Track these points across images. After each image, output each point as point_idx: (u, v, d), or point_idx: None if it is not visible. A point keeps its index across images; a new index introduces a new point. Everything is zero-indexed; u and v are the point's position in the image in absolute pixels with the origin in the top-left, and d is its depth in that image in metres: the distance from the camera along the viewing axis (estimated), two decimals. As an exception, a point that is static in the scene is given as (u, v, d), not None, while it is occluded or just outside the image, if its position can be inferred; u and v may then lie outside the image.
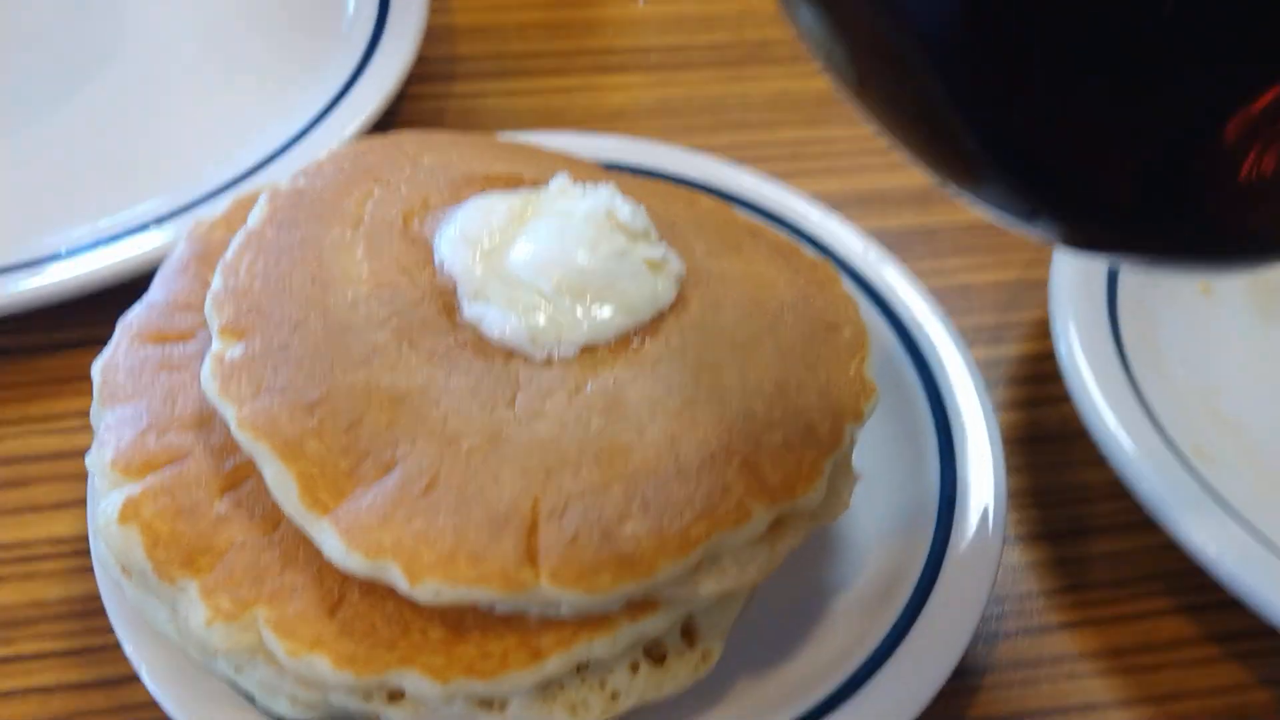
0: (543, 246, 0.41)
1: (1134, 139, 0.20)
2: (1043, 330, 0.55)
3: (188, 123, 0.59)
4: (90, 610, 0.42)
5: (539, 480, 0.35)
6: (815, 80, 0.67)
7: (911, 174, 0.62)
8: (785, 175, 0.59)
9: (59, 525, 0.45)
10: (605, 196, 0.43)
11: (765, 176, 0.55)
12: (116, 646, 0.41)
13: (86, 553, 0.44)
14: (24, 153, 0.57)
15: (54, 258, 0.50)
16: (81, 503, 0.45)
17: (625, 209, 0.42)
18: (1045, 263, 0.57)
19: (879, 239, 0.52)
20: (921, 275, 0.55)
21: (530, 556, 0.34)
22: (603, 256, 0.41)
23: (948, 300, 0.55)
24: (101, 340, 0.50)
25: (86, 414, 0.47)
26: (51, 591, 0.43)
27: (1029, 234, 0.24)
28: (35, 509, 0.45)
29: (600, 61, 0.67)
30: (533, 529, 0.34)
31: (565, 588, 0.33)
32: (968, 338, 0.53)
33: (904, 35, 0.21)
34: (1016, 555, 0.46)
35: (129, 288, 0.49)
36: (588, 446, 0.36)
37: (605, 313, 0.40)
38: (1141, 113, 0.19)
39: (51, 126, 0.59)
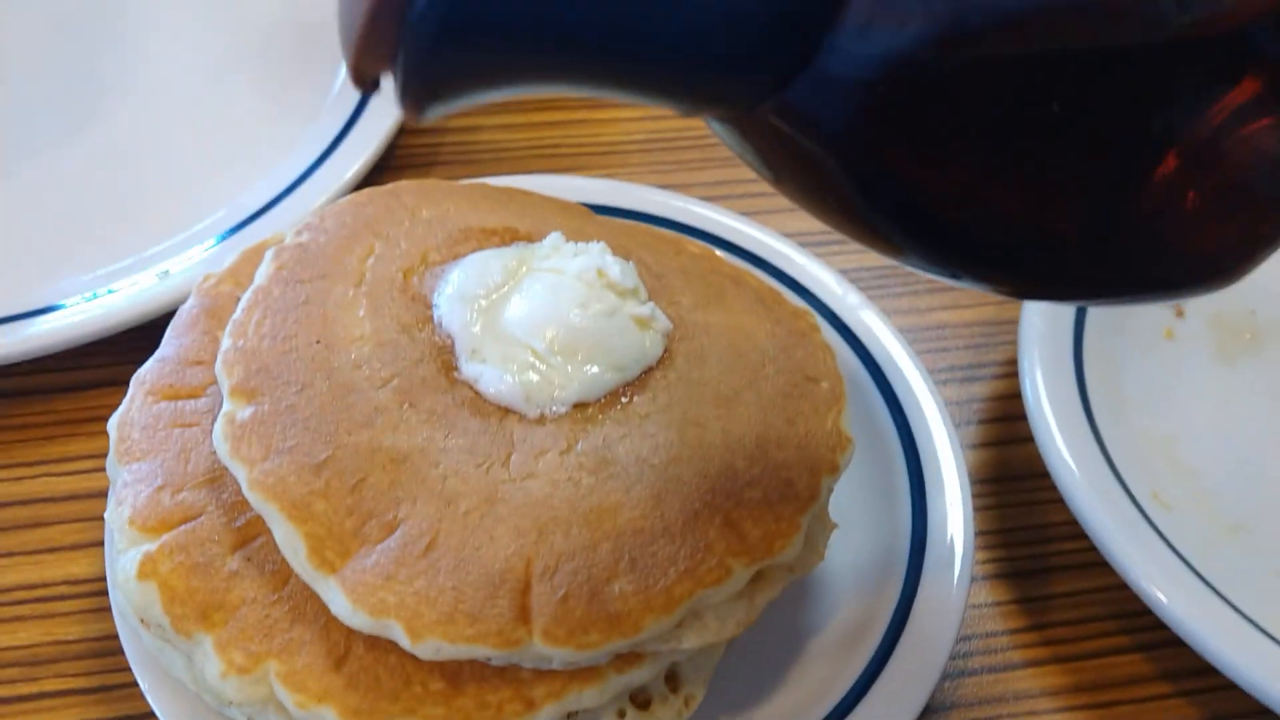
0: (536, 305, 0.43)
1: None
2: (1014, 369, 0.57)
3: (189, 165, 0.61)
4: (109, 650, 0.45)
5: (532, 540, 0.38)
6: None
7: (892, 211, 0.64)
8: (768, 212, 0.61)
9: (76, 566, 0.47)
10: (596, 255, 0.45)
11: (749, 216, 0.57)
12: (135, 685, 0.43)
13: (103, 593, 0.46)
14: (28, 196, 0.59)
15: (65, 304, 0.52)
16: (98, 544, 0.47)
17: (615, 267, 0.44)
18: (1018, 302, 0.60)
19: (856, 277, 0.55)
20: (897, 314, 0.57)
21: (524, 616, 0.36)
22: (593, 315, 0.43)
23: (923, 339, 0.58)
24: (114, 382, 0.53)
25: (101, 456, 0.50)
26: (71, 631, 0.45)
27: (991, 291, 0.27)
28: (53, 549, 0.47)
29: (589, 98, 0.69)
30: (526, 589, 0.37)
31: (556, 646, 0.36)
32: (941, 377, 0.56)
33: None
34: (983, 594, 0.49)
35: (142, 330, 0.52)
36: (578, 505, 0.39)
37: (596, 371, 0.42)
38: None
39: (56, 169, 0.61)
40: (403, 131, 0.62)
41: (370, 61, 0.24)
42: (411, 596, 0.36)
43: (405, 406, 0.41)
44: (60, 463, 0.50)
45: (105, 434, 0.50)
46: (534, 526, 0.38)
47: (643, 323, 0.44)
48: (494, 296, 0.44)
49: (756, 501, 0.40)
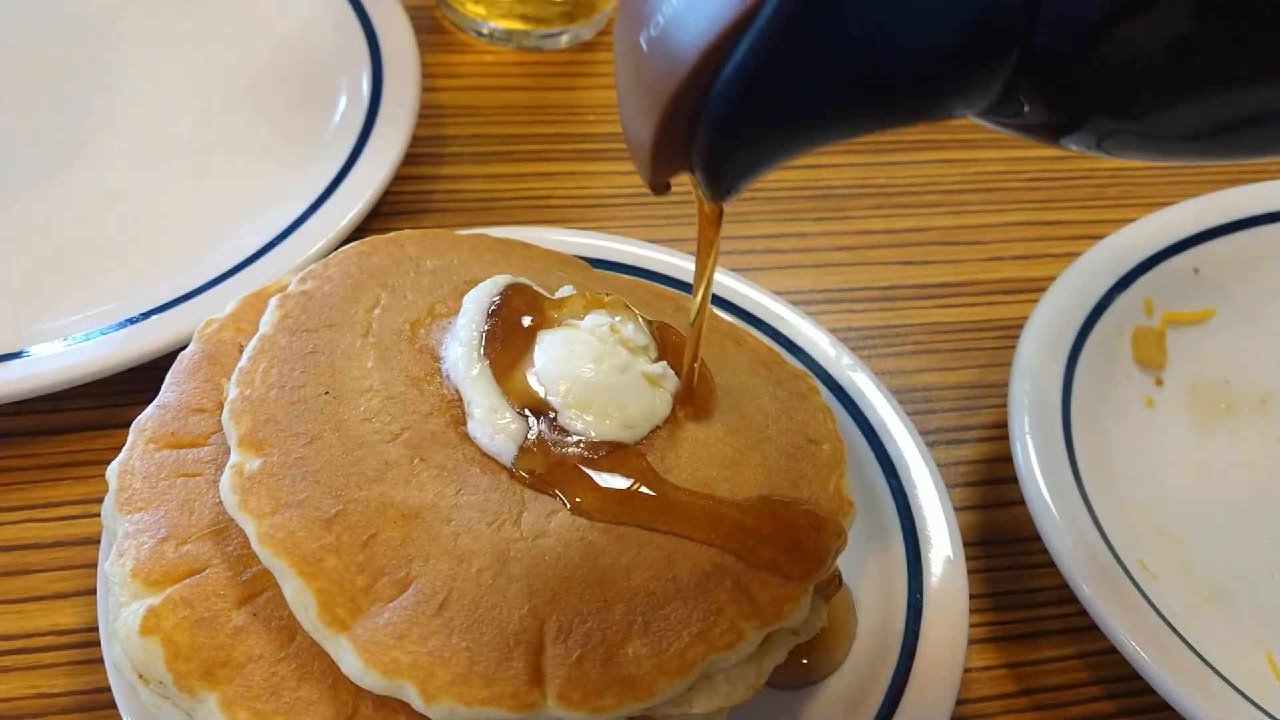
0: (548, 359, 0.43)
1: None
2: (998, 433, 0.58)
3: (179, 207, 0.60)
4: (97, 704, 0.43)
5: (545, 600, 0.37)
6: (788, 173, 0.70)
7: (877, 272, 0.65)
8: (759, 269, 0.62)
9: (62, 615, 0.46)
10: (607, 313, 0.45)
11: (742, 274, 0.58)
12: (122, 741, 0.42)
13: (91, 644, 0.45)
14: (14, 234, 0.58)
15: (50, 345, 0.50)
16: (85, 592, 0.46)
17: (628, 325, 0.45)
18: (1001, 365, 0.61)
19: (845, 336, 0.55)
20: (885, 374, 0.58)
21: (538, 678, 0.36)
22: (606, 370, 0.43)
23: (909, 400, 0.58)
24: (99, 425, 0.52)
25: (85, 501, 0.49)
26: (57, 683, 0.44)
27: None
28: (37, 598, 0.46)
29: (581, 149, 0.70)
30: (540, 650, 0.36)
31: (571, 709, 0.36)
32: (929, 439, 0.56)
33: None
34: (975, 658, 0.50)
35: (127, 373, 0.51)
36: (591, 566, 0.39)
37: (607, 428, 0.42)
38: None
39: (43, 208, 0.60)
40: (396, 179, 0.62)
41: (664, 173, 0.30)
42: (425, 656, 0.36)
43: (416, 461, 0.40)
44: (43, 508, 0.49)
45: (90, 479, 0.50)
46: (547, 587, 0.38)
47: (653, 380, 0.44)
48: (503, 349, 0.44)
49: (765, 563, 0.40)
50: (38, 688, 0.44)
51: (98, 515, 0.48)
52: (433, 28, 0.76)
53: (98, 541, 0.47)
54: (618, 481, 0.41)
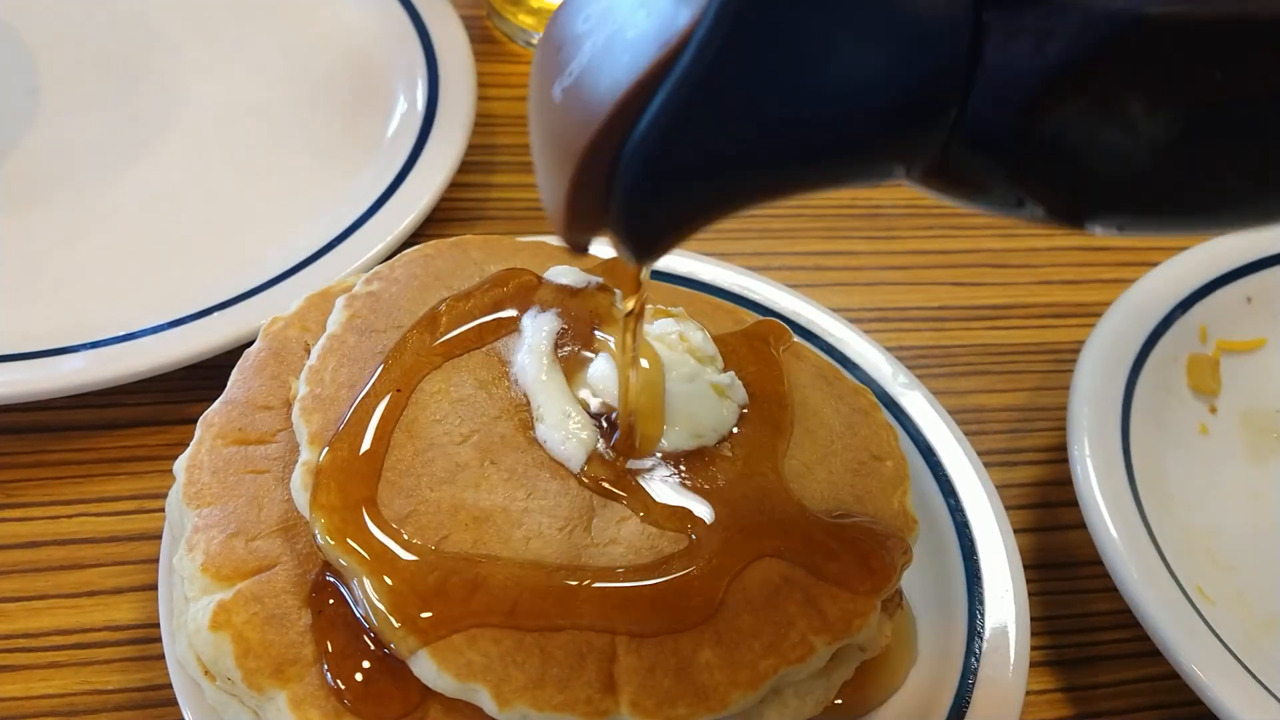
0: (614, 366, 0.43)
1: None
2: (1051, 456, 0.58)
3: (239, 206, 0.60)
4: (152, 700, 0.43)
5: (616, 607, 0.37)
6: (840, 192, 0.70)
7: (929, 292, 0.65)
8: (809, 286, 0.62)
9: (117, 611, 0.45)
10: (676, 320, 0.45)
11: (795, 290, 0.58)
12: (179, 739, 0.42)
13: (146, 640, 0.45)
14: (80, 222, 0.58)
15: (112, 341, 0.50)
16: (140, 588, 0.46)
17: (696, 334, 0.45)
18: (1053, 388, 0.61)
19: (897, 356, 0.55)
20: (938, 394, 0.57)
21: (611, 686, 0.36)
22: (674, 379, 0.43)
23: (962, 422, 0.58)
24: (154, 421, 0.51)
25: (142, 496, 0.49)
26: (111, 679, 0.43)
27: None
28: (92, 593, 0.46)
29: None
30: (613, 658, 0.36)
31: (645, 718, 0.35)
32: (982, 460, 0.56)
33: None
34: (1032, 681, 0.49)
35: (182, 369, 0.51)
36: (660, 574, 0.38)
37: (676, 436, 0.42)
38: None
39: (106, 197, 0.60)
40: (449, 186, 0.62)
41: (581, 232, 0.29)
42: (499, 660, 0.35)
43: (486, 464, 0.40)
44: (99, 502, 0.49)
45: (147, 474, 0.50)
46: (618, 593, 0.37)
47: (721, 391, 0.44)
48: (571, 354, 0.44)
49: (834, 577, 0.40)
50: (92, 684, 0.43)
51: (154, 511, 0.48)
52: (484, 38, 0.76)
53: (155, 537, 0.46)
54: (685, 491, 0.41)
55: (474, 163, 0.67)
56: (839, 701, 0.44)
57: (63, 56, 0.67)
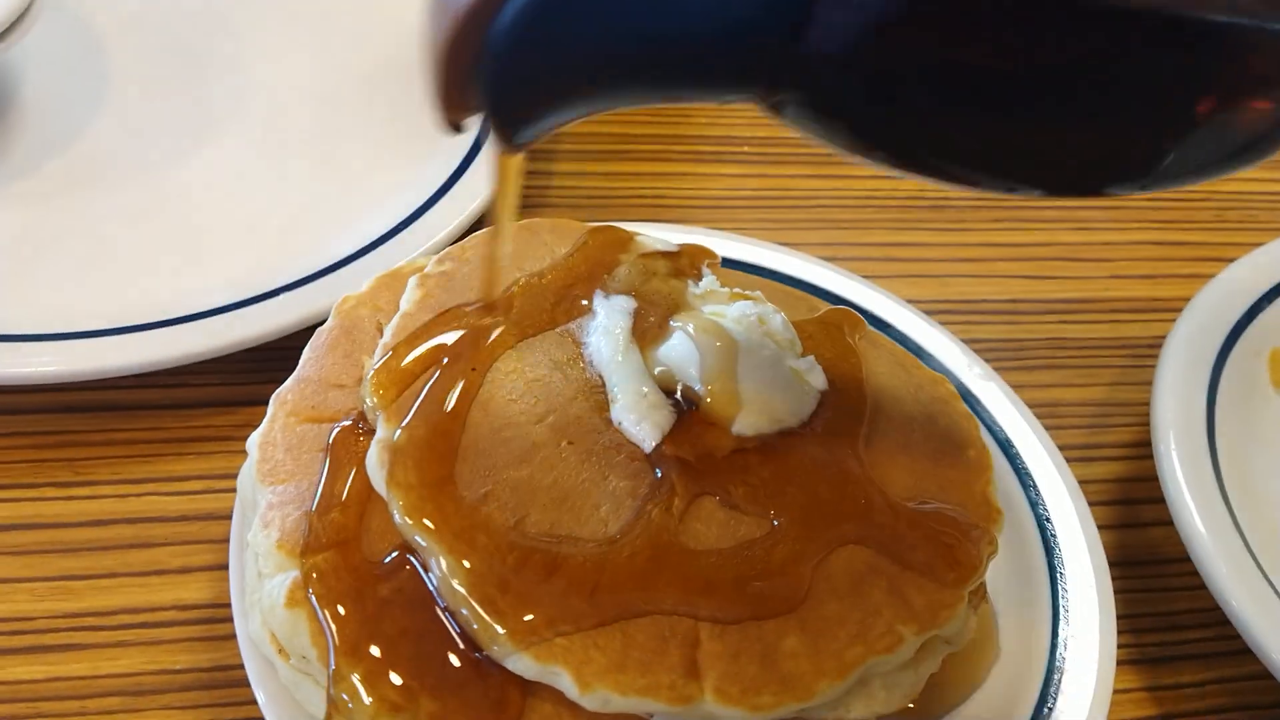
0: (695, 347, 0.42)
1: None
2: (1131, 452, 0.56)
3: (306, 191, 0.60)
4: (220, 681, 0.42)
5: (699, 592, 0.36)
6: (902, 182, 0.69)
7: (1001, 284, 0.64)
8: (880, 277, 0.60)
9: (186, 590, 0.45)
10: (755, 303, 0.44)
11: (865, 280, 0.56)
12: (249, 720, 0.41)
13: (216, 620, 0.44)
14: (149, 203, 0.58)
15: (181, 320, 0.50)
16: (210, 568, 0.46)
17: (776, 318, 0.44)
18: (1130, 383, 0.59)
19: (971, 348, 0.54)
20: (1013, 388, 0.56)
21: (694, 671, 0.35)
22: (754, 363, 0.42)
23: (1039, 415, 0.56)
24: (222, 402, 0.51)
25: (211, 476, 0.48)
26: (179, 659, 0.43)
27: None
28: (161, 572, 0.45)
29: (694, 150, 0.69)
30: (696, 643, 0.35)
31: (729, 705, 0.34)
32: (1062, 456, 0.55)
33: None
34: (1115, 681, 0.47)
35: (249, 350, 0.50)
36: (742, 558, 0.37)
37: (755, 421, 0.41)
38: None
39: (175, 179, 0.60)
40: (512, 172, 0.61)
41: (455, 111, 0.31)
42: (580, 641, 0.34)
43: (563, 444, 0.39)
44: (168, 481, 0.48)
45: (215, 455, 0.49)
46: (700, 577, 0.36)
47: (800, 376, 0.43)
48: (646, 336, 0.43)
49: (919, 567, 0.39)
50: (160, 663, 0.43)
51: (222, 491, 0.48)
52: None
53: (223, 517, 0.46)
54: (766, 475, 0.40)
55: (536, 151, 0.66)
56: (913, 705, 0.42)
57: (131, 43, 0.67)
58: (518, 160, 0.36)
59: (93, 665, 0.43)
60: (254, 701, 0.38)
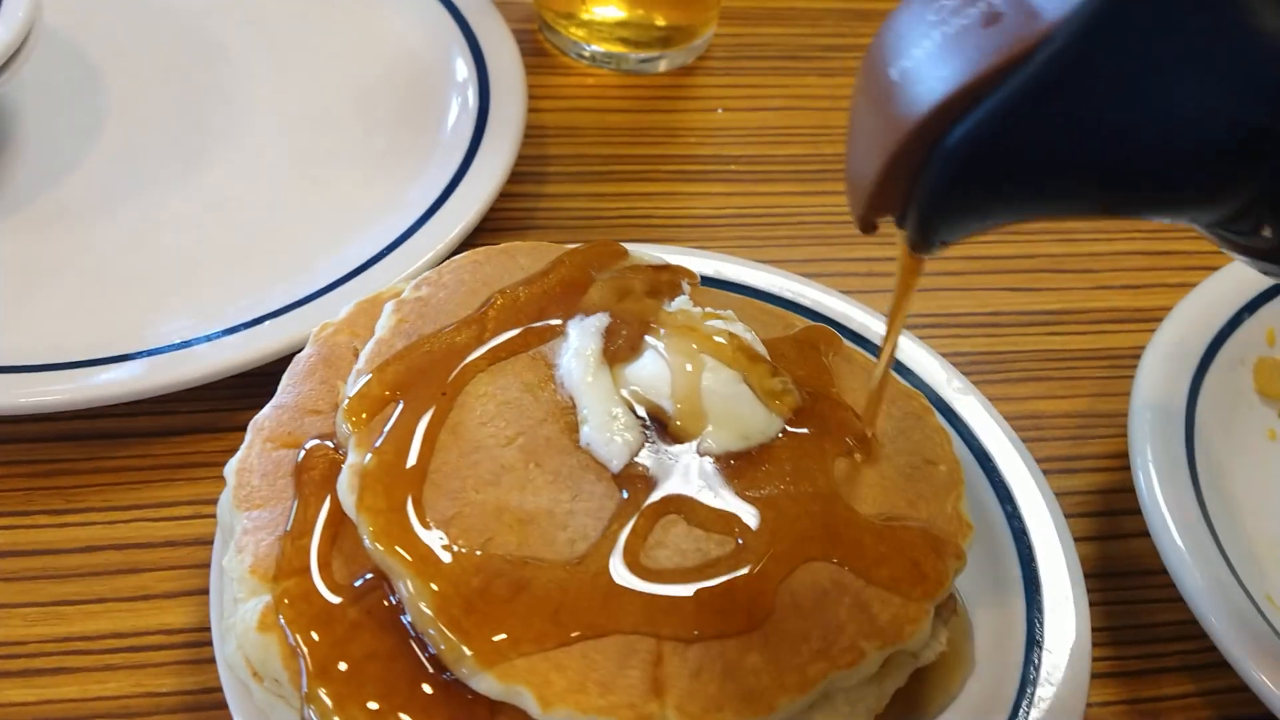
0: (664, 367, 0.43)
1: None
2: (1112, 464, 0.57)
3: (295, 216, 0.61)
4: (204, 704, 0.43)
5: (662, 611, 0.37)
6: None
7: (982, 297, 0.64)
8: (861, 292, 0.61)
9: (172, 615, 0.46)
10: (725, 321, 0.45)
11: (846, 296, 0.57)
12: (231, 742, 0.42)
13: (200, 644, 0.45)
14: (141, 234, 0.60)
15: (168, 348, 0.51)
16: (195, 592, 0.47)
17: (747, 335, 0.44)
18: (1113, 394, 0.59)
19: (951, 361, 0.54)
20: (993, 400, 0.56)
21: (656, 689, 0.35)
22: (723, 381, 0.43)
23: (1019, 429, 0.57)
24: (210, 428, 0.52)
25: (197, 502, 0.49)
26: (165, 682, 0.44)
27: None
28: (148, 597, 0.46)
29: (681, 170, 0.70)
30: (658, 661, 0.36)
31: (690, 722, 0.35)
32: (1041, 468, 0.55)
33: None
34: (1094, 693, 0.48)
35: (238, 376, 0.51)
36: (706, 577, 0.38)
37: (723, 438, 0.41)
38: None
39: (166, 209, 0.61)
40: (500, 195, 0.62)
41: (877, 211, 0.31)
42: (542, 662, 0.35)
43: (531, 466, 0.40)
44: (156, 508, 0.49)
45: (203, 480, 0.50)
46: (664, 597, 0.37)
47: (772, 394, 0.43)
48: (618, 356, 0.44)
49: (884, 582, 0.39)
50: (145, 686, 0.44)
51: (210, 516, 0.49)
52: (536, 51, 0.77)
53: (209, 542, 0.47)
54: (733, 493, 0.40)
55: (525, 173, 0.67)
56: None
57: (126, 72, 0.69)
58: (922, 265, 0.36)
59: (82, 689, 0.44)
60: (235, 725, 0.39)
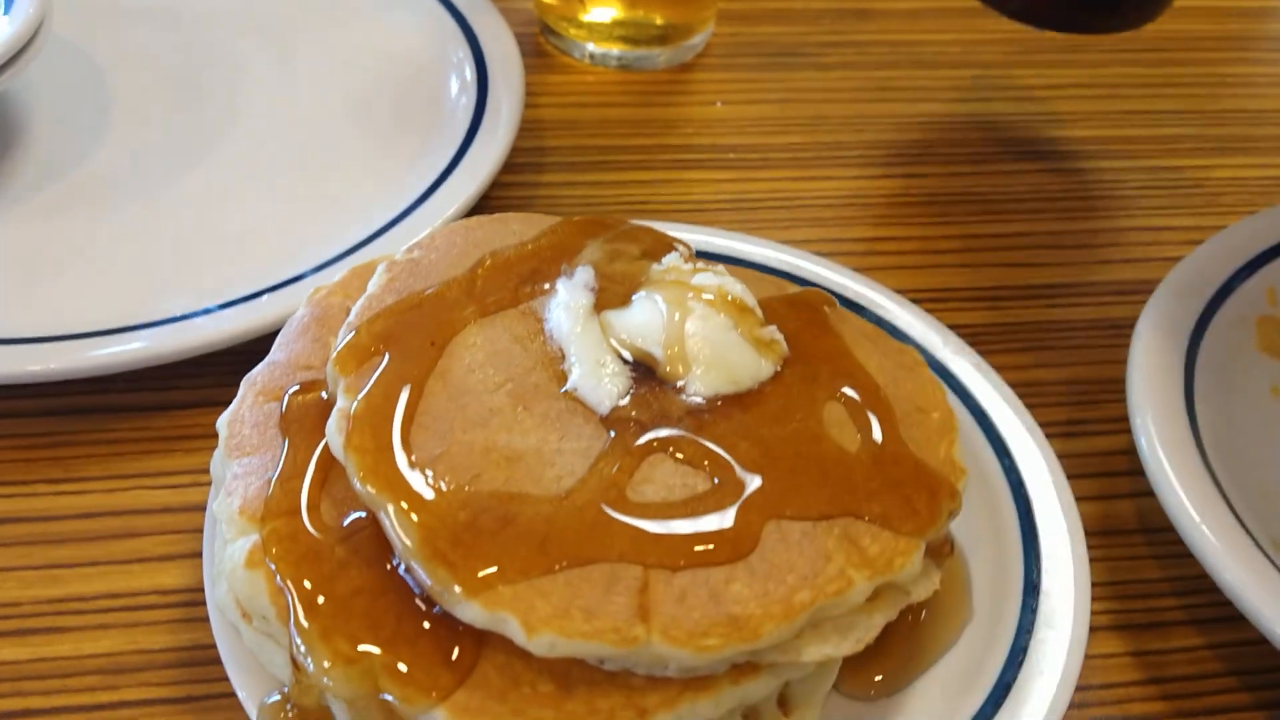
0: (655, 314, 0.43)
1: None
2: (1113, 427, 0.56)
3: (296, 201, 0.63)
4: (196, 659, 0.43)
5: (649, 542, 0.36)
6: (887, 181, 0.70)
7: (985, 273, 0.64)
8: (860, 269, 0.61)
9: (166, 576, 0.46)
10: (715, 274, 0.45)
11: (843, 269, 0.57)
12: (223, 695, 0.42)
13: (192, 604, 0.45)
14: (144, 222, 0.61)
15: (168, 320, 0.52)
16: (189, 555, 0.47)
17: (736, 286, 0.44)
18: (1114, 361, 0.59)
19: (954, 333, 0.54)
20: (996, 369, 0.56)
21: (642, 614, 0.35)
22: (714, 327, 0.43)
23: (1022, 394, 0.56)
24: (208, 403, 0.53)
25: (195, 471, 0.50)
26: (158, 640, 0.44)
27: None
28: (143, 560, 0.47)
29: (680, 159, 0.71)
30: (644, 588, 0.35)
31: (675, 646, 0.34)
32: (1042, 431, 0.54)
33: None
34: (1098, 645, 0.47)
35: (237, 351, 0.52)
36: (694, 510, 0.38)
37: (712, 381, 0.42)
38: None
39: (169, 200, 0.63)
40: (496, 184, 0.63)
41: None
42: (526, 590, 0.35)
43: (519, 409, 0.40)
44: (155, 476, 0.50)
45: (200, 451, 0.51)
46: (650, 528, 0.37)
47: (762, 343, 0.43)
48: (609, 307, 0.44)
49: (875, 517, 0.39)
50: (138, 644, 0.44)
51: (207, 484, 0.49)
52: (536, 52, 0.78)
53: (204, 508, 0.47)
54: (720, 432, 0.40)
55: (523, 164, 0.68)
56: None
57: (130, 73, 0.71)
58: None
59: (75, 646, 0.44)
60: (226, 678, 0.39)
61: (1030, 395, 0.57)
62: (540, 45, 0.79)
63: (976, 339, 0.60)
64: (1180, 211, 0.69)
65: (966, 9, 0.87)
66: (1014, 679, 0.42)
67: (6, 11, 0.60)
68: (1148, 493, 0.48)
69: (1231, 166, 0.74)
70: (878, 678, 0.44)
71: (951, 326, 0.56)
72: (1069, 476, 0.52)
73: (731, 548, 0.37)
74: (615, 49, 0.77)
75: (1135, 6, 0.44)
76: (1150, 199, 0.70)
